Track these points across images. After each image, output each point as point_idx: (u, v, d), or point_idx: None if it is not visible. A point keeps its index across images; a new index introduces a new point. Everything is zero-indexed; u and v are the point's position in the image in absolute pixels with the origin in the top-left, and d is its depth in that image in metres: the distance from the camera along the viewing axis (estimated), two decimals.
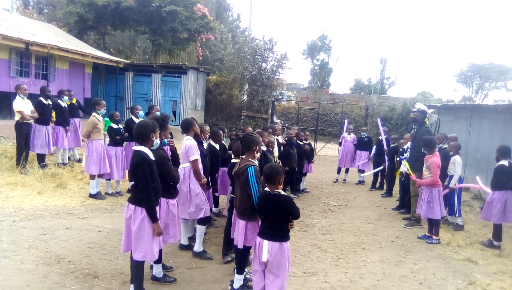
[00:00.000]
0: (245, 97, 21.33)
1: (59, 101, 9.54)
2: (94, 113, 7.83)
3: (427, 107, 9.41)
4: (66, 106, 9.70)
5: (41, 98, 9.10)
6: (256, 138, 4.33)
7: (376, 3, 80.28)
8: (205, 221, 5.45)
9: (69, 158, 10.38)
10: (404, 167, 8.25)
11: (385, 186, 10.80)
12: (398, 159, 9.46)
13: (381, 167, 10.74)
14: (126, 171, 8.11)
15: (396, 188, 9.87)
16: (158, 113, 8.27)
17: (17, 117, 8.50)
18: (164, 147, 4.53)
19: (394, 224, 7.81)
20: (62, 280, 4.36)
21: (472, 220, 8.27)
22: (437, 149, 7.08)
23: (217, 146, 6.13)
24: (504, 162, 6.66)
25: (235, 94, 21.12)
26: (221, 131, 6.30)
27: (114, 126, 7.92)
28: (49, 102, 9.25)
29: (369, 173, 11.26)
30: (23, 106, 8.47)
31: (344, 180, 12.16)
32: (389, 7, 79.06)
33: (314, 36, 48.51)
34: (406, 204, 8.58)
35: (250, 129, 7.35)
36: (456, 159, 7.42)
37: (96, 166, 7.58)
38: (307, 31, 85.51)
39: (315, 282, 4.93)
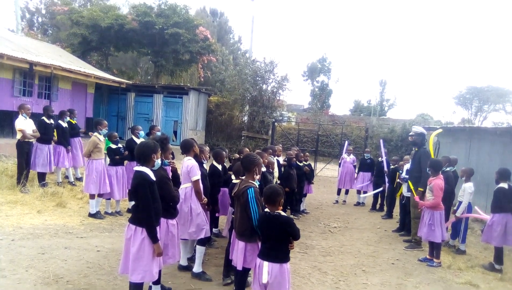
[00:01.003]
0: (245, 118, 21.47)
1: (59, 121, 9.62)
2: (95, 133, 7.89)
3: (427, 129, 9.48)
4: (67, 126, 9.78)
5: (43, 118, 9.18)
6: (256, 160, 4.36)
7: (376, 26, 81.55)
8: (205, 241, 5.44)
9: (67, 177, 10.40)
10: (407, 188, 8.26)
11: (385, 208, 10.76)
12: (399, 180, 9.46)
13: (381, 189, 10.74)
14: (127, 191, 8.11)
15: (397, 210, 9.84)
16: (159, 134, 8.34)
17: (18, 135, 8.57)
18: (165, 168, 4.56)
19: (394, 246, 7.76)
20: None
21: (473, 243, 8.22)
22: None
23: (219, 167, 6.16)
24: (504, 185, 6.67)
25: (236, 115, 21.27)
26: (224, 152, 6.34)
27: (113, 146, 7.97)
28: (52, 121, 9.33)
29: (369, 194, 11.25)
30: (25, 125, 8.54)
31: (344, 201, 12.13)
32: (389, 30, 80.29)
33: (314, 58, 49.22)
34: (406, 226, 8.55)
35: (247, 150, 7.39)
36: (467, 187, 7.36)
37: (95, 185, 7.60)
38: (307, 53, 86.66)
39: None
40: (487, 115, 33.80)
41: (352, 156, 12.17)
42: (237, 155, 7.42)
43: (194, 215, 5.16)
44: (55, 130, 9.47)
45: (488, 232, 6.77)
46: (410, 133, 8.19)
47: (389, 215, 10.28)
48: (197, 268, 5.36)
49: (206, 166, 5.99)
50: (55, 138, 9.45)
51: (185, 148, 5.30)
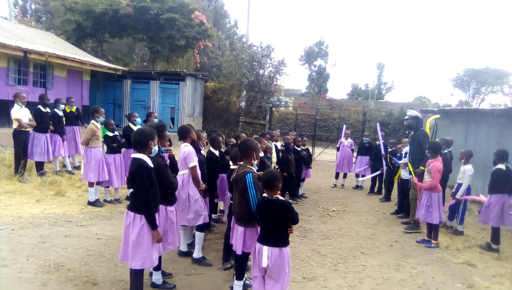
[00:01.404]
0: (243, 103, 21.41)
1: (55, 110, 9.55)
2: (92, 121, 7.85)
3: (424, 112, 9.47)
4: (63, 115, 9.72)
5: (39, 106, 9.13)
6: (253, 145, 4.35)
7: (373, 9, 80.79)
8: (203, 227, 5.46)
9: (65, 166, 10.39)
10: (406, 170, 8.29)
11: (383, 191, 10.81)
12: (390, 164, 9.50)
13: (379, 172, 10.77)
14: (125, 178, 8.12)
15: (395, 193, 9.89)
16: (156, 120, 8.31)
17: (14, 125, 8.52)
18: (162, 155, 4.54)
19: (392, 229, 7.82)
20: (62, 288, 4.35)
21: (470, 223, 8.29)
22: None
23: (216, 153, 6.15)
24: (502, 166, 6.71)
25: (233, 101, 21.20)
26: (220, 138, 6.32)
27: (110, 134, 7.93)
28: (48, 110, 9.27)
29: (367, 178, 11.29)
30: (21, 114, 8.49)
31: (343, 185, 12.18)
32: (386, 12, 79.58)
33: (311, 42, 48.80)
34: (404, 209, 8.60)
35: (244, 135, 7.37)
36: (467, 169, 7.39)
37: (94, 173, 7.60)
38: (304, 37, 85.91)
39: (315, 287, 4.94)
40: (485, 97, 33.81)
41: (350, 140, 12.17)
42: (234, 141, 7.41)
43: (192, 202, 5.17)
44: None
45: (486, 213, 6.83)
46: (405, 117, 8.17)
47: (387, 198, 10.34)
48: (197, 253, 5.40)
49: (204, 152, 5.98)
50: (52, 127, 9.40)
51: (182, 135, 5.28)
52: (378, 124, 11.56)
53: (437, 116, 8.89)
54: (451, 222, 7.89)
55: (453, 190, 7.73)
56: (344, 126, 12.84)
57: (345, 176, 12.22)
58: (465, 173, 7.39)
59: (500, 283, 5.38)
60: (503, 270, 5.83)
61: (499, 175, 6.69)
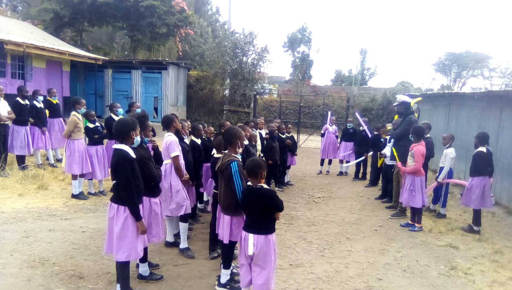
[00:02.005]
0: (226, 92, 21.26)
1: (34, 102, 9.31)
2: (74, 112, 7.71)
3: (409, 96, 9.48)
4: (42, 106, 9.50)
5: (18, 98, 8.88)
6: (237, 133, 4.33)
7: None
8: (186, 218, 5.43)
9: (47, 158, 10.21)
10: (391, 156, 8.36)
11: (367, 177, 10.94)
12: (381, 156, 9.52)
13: (363, 158, 10.86)
14: (109, 170, 8.01)
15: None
16: (138, 110, 8.19)
17: None
18: (146, 146, 4.48)
19: (377, 213, 7.94)
20: (47, 283, 4.31)
21: (452, 206, 8.46)
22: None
23: (198, 141, 6.13)
24: (482, 149, 6.82)
25: (217, 89, 21.03)
26: (200, 126, 6.31)
27: (91, 125, 7.79)
28: (27, 102, 9.05)
29: (351, 163, 11.37)
30: None
31: (328, 171, 12.26)
32: None
33: (294, 29, 48.67)
34: (388, 193, 8.72)
35: (229, 123, 7.34)
36: (449, 153, 7.47)
37: (78, 165, 7.49)
38: (287, 23, 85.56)
39: (301, 274, 4.99)
40: (466, 81, 34.27)
41: (334, 126, 12.23)
42: (212, 129, 7.38)
43: (174, 192, 5.14)
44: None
45: (467, 195, 6.96)
46: (394, 104, 8.12)
47: (374, 183, 10.37)
48: (183, 244, 5.40)
49: (187, 141, 5.94)
50: (31, 119, 9.18)
51: (166, 124, 5.23)
52: (356, 112, 11.66)
53: (419, 98, 8.94)
54: (434, 205, 8.04)
55: (437, 174, 7.85)
56: (329, 112, 12.86)
57: (330, 162, 12.30)
58: (446, 156, 7.49)
59: (481, 263, 5.52)
60: (484, 251, 5.99)
61: (480, 158, 6.81)
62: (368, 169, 11.09)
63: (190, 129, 6.21)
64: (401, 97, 8.06)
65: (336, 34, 77.60)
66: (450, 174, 7.69)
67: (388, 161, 8.66)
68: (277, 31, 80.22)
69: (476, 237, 6.60)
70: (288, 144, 9.99)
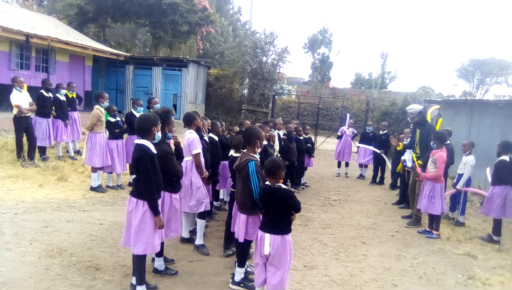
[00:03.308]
0: (245, 91, 21.28)
1: (57, 94, 9.50)
2: (97, 106, 7.83)
3: (428, 102, 9.33)
4: (65, 100, 9.68)
5: (42, 91, 9.09)
6: (257, 133, 4.32)
7: None
8: (205, 215, 5.47)
9: (78, 152, 10.39)
10: (410, 160, 8.21)
11: (385, 181, 10.81)
12: (406, 167, 9.30)
13: (378, 151, 10.56)
14: (127, 165, 8.12)
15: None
16: (157, 106, 8.27)
17: (14, 111, 8.49)
18: (168, 142, 4.51)
19: (394, 219, 7.84)
20: (65, 272, 4.38)
21: (472, 215, 8.30)
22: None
23: (216, 138, 6.16)
24: (505, 157, 6.68)
25: (236, 88, 21.08)
26: (218, 123, 6.36)
27: (112, 119, 7.90)
28: (50, 95, 9.24)
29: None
30: (20, 99, 8.43)
31: (346, 173, 12.16)
32: (391, 1, 78.72)
33: (315, 30, 48.34)
34: (406, 199, 8.60)
35: (248, 122, 7.34)
36: (469, 160, 7.34)
37: (99, 158, 7.60)
38: (308, 24, 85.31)
39: (316, 276, 4.96)
40: (489, 88, 33.58)
41: (351, 129, 12.12)
42: (237, 128, 7.38)
43: (194, 189, 5.17)
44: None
45: (488, 204, 6.82)
46: (410, 116, 7.69)
47: (394, 187, 10.20)
48: (198, 240, 5.42)
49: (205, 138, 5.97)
50: (53, 112, 9.37)
51: (188, 121, 5.26)
52: (348, 114, 11.83)
53: (437, 106, 8.73)
54: (453, 213, 7.90)
55: (454, 181, 7.71)
56: (348, 115, 12.75)
57: (347, 165, 12.20)
58: (466, 164, 7.36)
59: (500, 274, 5.40)
60: (504, 262, 5.85)
61: (503, 167, 6.67)
62: (386, 174, 10.96)
63: (209, 128, 6.25)
64: (413, 107, 7.73)
65: (357, 36, 77.10)
66: (468, 182, 7.55)
67: (408, 165, 8.49)
68: (297, 32, 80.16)
69: (496, 247, 6.46)
70: (308, 147, 10.00)
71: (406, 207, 8.41)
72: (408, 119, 8.07)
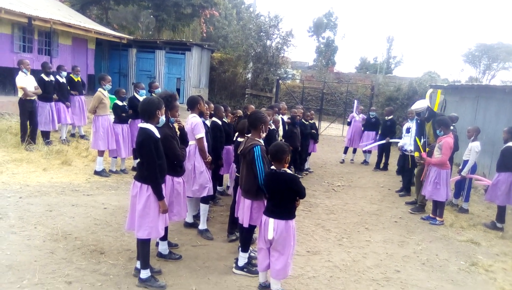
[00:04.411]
0: (249, 75, 21.14)
1: (57, 76, 9.44)
2: (100, 88, 7.79)
3: (434, 87, 9.17)
4: (65, 82, 9.63)
5: (42, 75, 9.02)
6: (263, 117, 4.28)
7: None
8: (208, 199, 5.47)
9: (73, 135, 10.38)
10: (410, 144, 8.17)
11: (389, 167, 10.77)
12: (400, 150, 9.26)
13: (384, 141, 10.56)
14: (131, 149, 8.11)
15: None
16: (158, 90, 8.23)
17: (20, 93, 8.44)
18: (172, 125, 4.46)
19: (397, 205, 7.83)
20: (69, 256, 4.41)
21: (476, 201, 8.28)
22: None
23: (219, 122, 6.13)
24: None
25: (240, 72, 20.94)
26: (221, 107, 6.32)
27: (119, 103, 7.85)
28: (52, 78, 9.18)
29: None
30: (26, 82, 8.39)
31: (352, 160, 12.13)
32: None
33: (320, 13, 47.78)
34: (406, 186, 8.60)
35: (253, 107, 7.27)
36: (474, 147, 7.27)
37: (103, 141, 7.58)
38: (312, 8, 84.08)
39: (319, 261, 4.98)
40: (496, 73, 33.23)
41: (361, 115, 12.05)
42: (240, 112, 7.33)
43: (198, 173, 5.15)
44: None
45: (492, 191, 6.78)
46: (421, 114, 7.72)
47: (400, 172, 10.11)
48: (202, 225, 5.43)
49: (207, 123, 5.94)
50: (55, 96, 9.32)
51: (191, 105, 5.21)
52: (355, 100, 11.64)
53: (431, 90, 8.56)
54: (457, 199, 7.87)
55: (460, 167, 7.66)
56: (356, 101, 12.64)
57: (354, 151, 12.18)
58: (472, 150, 7.30)
59: (503, 261, 5.39)
60: (507, 249, 5.84)
61: (509, 153, 6.61)
62: (390, 160, 10.92)
63: (212, 112, 6.20)
64: (420, 105, 7.72)
65: (362, 20, 76.11)
66: (474, 169, 7.50)
67: (407, 149, 8.46)
68: (302, 16, 79.12)
69: (499, 235, 6.45)
70: (313, 133, 9.96)
71: (406, 195, 8.40)
72: (416, 117, 8.04)
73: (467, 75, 33.54)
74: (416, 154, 7.31)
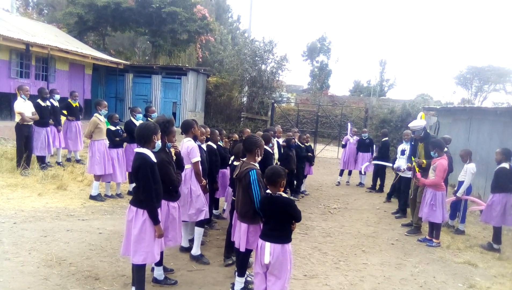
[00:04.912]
0: (244, 99, 21.34)
1: (51, 100, 9.48)
2: (95, 114, 7.85)
3: (427, 110, 9.32)
4: (58, 105, 9.67)
5: (38, 100, 9.06)
6: (258, 142, 4.33)
7: (376, 5, 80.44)
8: (203, 223, 5.44)
9: (69, 159, 10.36)
10: (405, 167, 8.22)
11: (384, 189, 10.78)
12: (394, 170, 9.29)
13: (390, 164, 10.51)
14: (127, 173, 8.11)
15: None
16: (154, 115, 8.30)
17: (17, 118, 8.46)
18: (168, 150, 4.48)
19: (394, 227, 7.82)
20: (64, 282, 4.35)
21: (472, 223, 8.28)
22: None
23: (214, 146, 6.17)
24: (505, 165, 6.68)
25: (235, 96, 21.14)
26: (217, 131, 6.37)
27: (112, 128, 7.90)
28: (48, 103, 9.22)
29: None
30: (24, 107, 8.42)
31: (348, 182, 12.15)
32: (389, 9, 79.24)
33: (314, 38, 48.53)
34: (400, 207, 8.61)
35: (248, 131, 7.34)
36: (470, 168, 7.33)
37: (99, 166, 7.59)
38: (306, 32, 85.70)
39: (316, 285, 4.94)
40: (487, 95, 33.64)
41: (355, 137, 12.15)
42: (236, 136, 7.38)
43: (194, 197, 5.15)
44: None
45: (488, 212, 6.81)
46: (416, 133, 7.71)
47: (390, 197, 10.12)
48: (195, 250, 5.37)
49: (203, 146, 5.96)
50: (51, 121, 9.33)
51: (185, 129, 5.25)
52: (349, 123, 11.74)
53: (422, 113, 8.61)
54: (453, 221, 7.88)
55: (455, 188, 7.71)
56: (349, 124, 12.78)
57: (350, 173, 12.22)
58: (467, 171, 7.35)
59: (501, 283, 5.37)
60: (505, 270, 5.83)
61: (503, 174, 6.66)
62: (386, 182, 10.94)
63: (208, 136, 6.24)
64: (417, 124, 7.69)
65: (355, 44, 77.41)
66: (469, 190, 7.55)
67: (405, 173, 8.50)
68: (296, 40, 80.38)
69: (496, 256, 6.44)
70: (309, 156, 10.03)
71: (402, 216, 8.40)
72: (412, 135, 8.13)
73: (460, 97, 33.93)
74: (416, 169, 7.28)
